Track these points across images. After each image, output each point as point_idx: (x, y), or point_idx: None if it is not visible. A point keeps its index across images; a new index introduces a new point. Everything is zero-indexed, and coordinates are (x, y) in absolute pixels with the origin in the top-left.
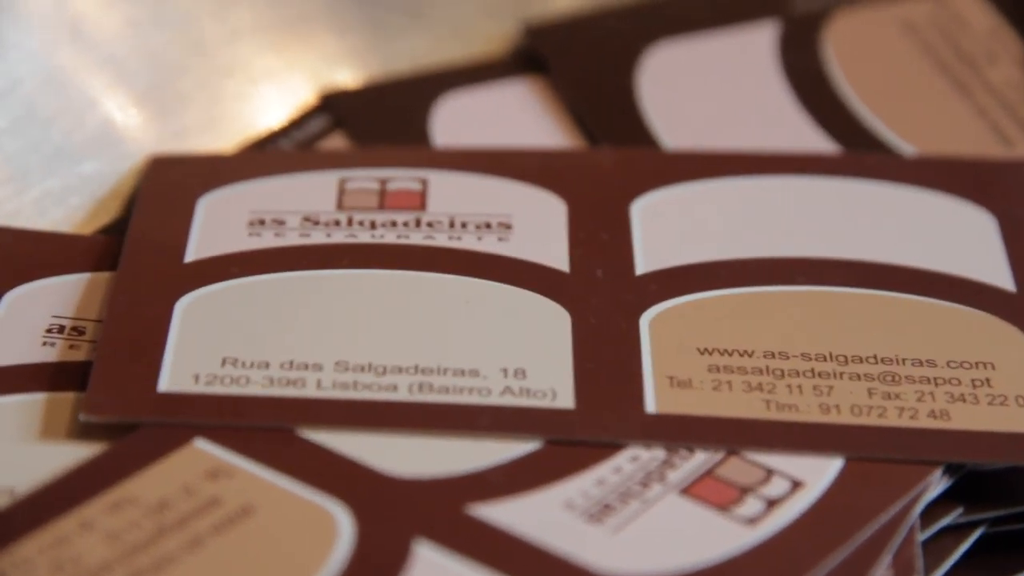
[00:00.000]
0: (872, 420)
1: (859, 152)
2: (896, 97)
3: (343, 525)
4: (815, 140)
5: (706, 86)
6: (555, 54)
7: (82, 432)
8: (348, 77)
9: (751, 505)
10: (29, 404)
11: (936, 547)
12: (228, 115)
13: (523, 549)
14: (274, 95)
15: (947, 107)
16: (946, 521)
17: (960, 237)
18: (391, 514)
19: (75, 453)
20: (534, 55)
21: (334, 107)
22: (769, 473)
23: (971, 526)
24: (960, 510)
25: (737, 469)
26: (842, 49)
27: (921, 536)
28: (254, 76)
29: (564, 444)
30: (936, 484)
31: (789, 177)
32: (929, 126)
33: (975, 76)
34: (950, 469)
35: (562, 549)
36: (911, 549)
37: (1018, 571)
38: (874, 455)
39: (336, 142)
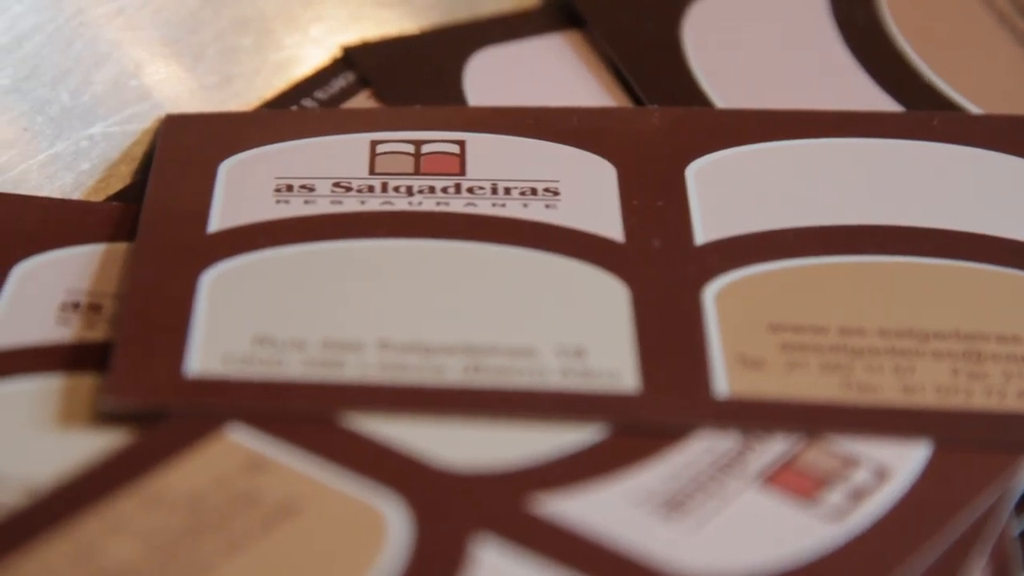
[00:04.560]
0: (958, 402)
1: (923, 111)
2: (955, 51)
3: (395, 522)
4: (873, 97)
5: (755, 40)
6: (594, 5)
7: (102, 419)
8: (373, 30)
9: (835, 497)
10: (44, 388)
11: None
12: (246, 71)
13: (592, 546)
14: (296, 49)
15: (1008, 62)
16: None
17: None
18: (447, 509)
19: (95, 442)
20: (571, 6)
21: (360, 63)
22: (852, 461)
23: None
24: None
25: (818, 457)
26: (897, 1)
27: (1019, 528)
28: (274, 29)
29: (630, 430)
30: None
31: (851, 139)
32: (991, 83)
33: None
34: None
35: (635, 546)
36: (1007, 541)
37: None
38: (961, 440)
39: (361, 101)
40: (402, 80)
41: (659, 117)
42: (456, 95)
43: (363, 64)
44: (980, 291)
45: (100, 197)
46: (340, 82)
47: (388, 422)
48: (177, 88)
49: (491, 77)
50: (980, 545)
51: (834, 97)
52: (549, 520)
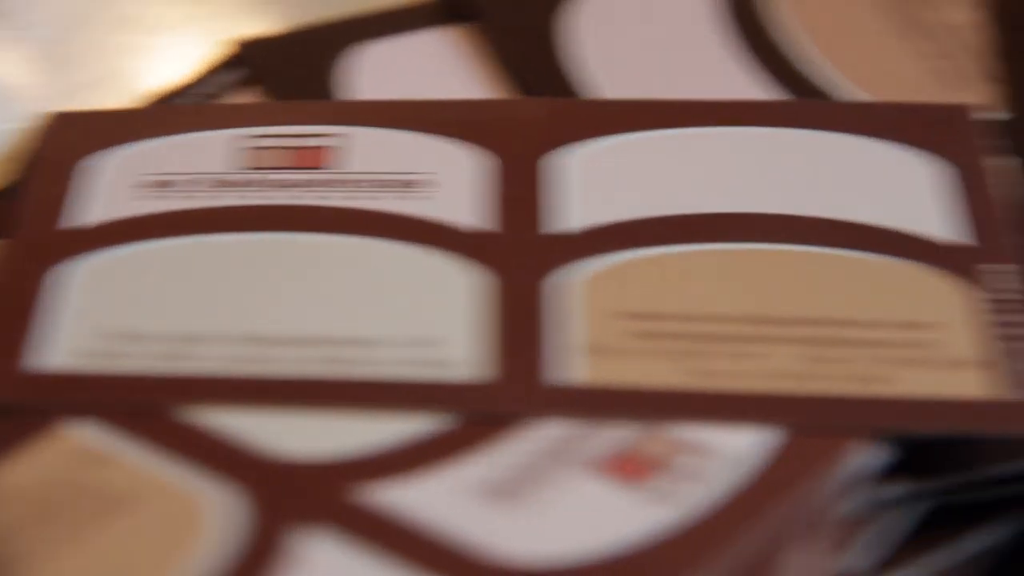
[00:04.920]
0: (807, 387)
1: (799, 99)
2: (836, 40)
3: (226, 512)
4: (753, 86)
5: (636, 30)
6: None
7: None
8: (256, 26)
9: (666, 482)
10: None
11: (883, 520)
12: (126, 70)
13: (417, 534)
14: (178, 47)
15: (891, 51)
16: (892, 493)
17: (906, 187)
18: (275, 497)
19: None
20: (455, 2)
21: (242, 59)
22: (686, 447)
23: (920, 497)
24: (906, 482)
25: (653, 443)
26: None
27: (867, 509)
28: (153, 27)
29: (473, 419)
30: (877, 455)
31: (727, 128)
32: (872, 71)
33: (919, 19)
34: (894, 438)
35: (460, 533)
36: (844, 522)
37: (969, 541)
38: (808, 425)
39: (243, 97)
40: (287, 75)
41: (534, 108)
42: (338, 89)
43: (248, 59)
44: (840, 277)
45: None
46: (222, 78)
47: (227, 414)
48: (58, 87)
49: (375, 71)
50: (807, 527)
51: (714, 86)
52: (375, 509)
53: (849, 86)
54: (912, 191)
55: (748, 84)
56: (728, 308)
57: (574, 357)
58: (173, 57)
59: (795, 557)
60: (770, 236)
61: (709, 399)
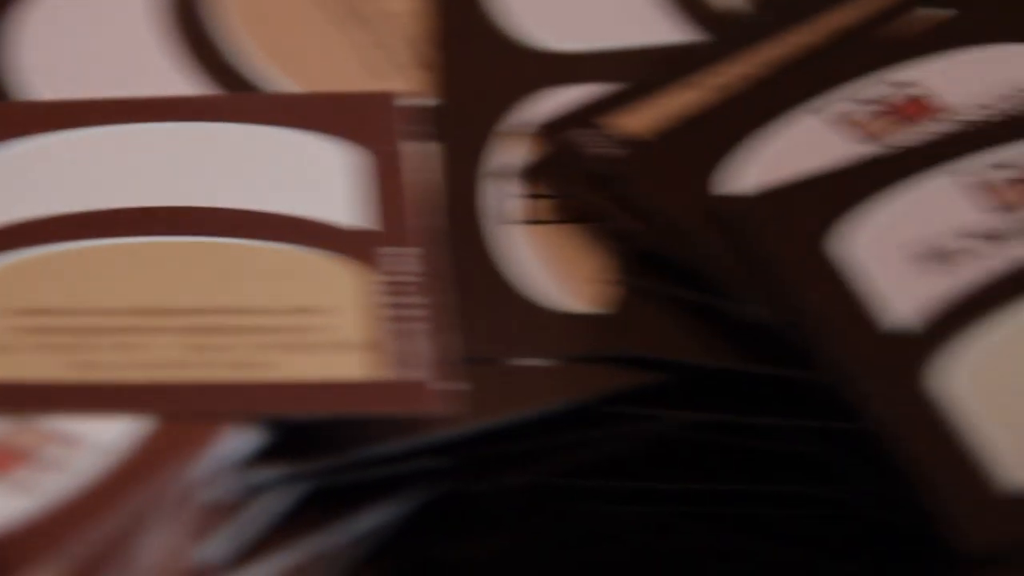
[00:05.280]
0: (188, 375)
1: (230, 94)
2: (276, 33)
3: None
4: (191, 84)
5: (82, 34)
6: None
7: None
8: None
9: (27, 471)
10: None
11: (257, 504)
12: None
13: None
14: None
15: (329, 41)
16: (265, 477)
17: (317, 176)
18: None
19: None
20: None
21: None
22: (55, 436)
23: (297, 480)
24: (280, 465)
25: (24, 434)
26: None
27: (240, 494)
28: None
29: None
30: (249, 439)
31: (151, 124)
32: (309, 62)
33: (357, 9)
34: (270, 422)
35: None
36: (204, 509)
37: (354, 522)
38: (185, 412)
39: None
40: None
41: None
42: None
43: None
44: (230, 266)
45: None
46: None
47: None
48: None
49: None
50: (170, 512)
51: (151, 84)
52: None
53: (284, 79)
54: (323, 179)
55: (184, 81)
56: (114, 301)
57: None
58: None
59: (154, 541)
60: (170, 229)
61: (86, 390)
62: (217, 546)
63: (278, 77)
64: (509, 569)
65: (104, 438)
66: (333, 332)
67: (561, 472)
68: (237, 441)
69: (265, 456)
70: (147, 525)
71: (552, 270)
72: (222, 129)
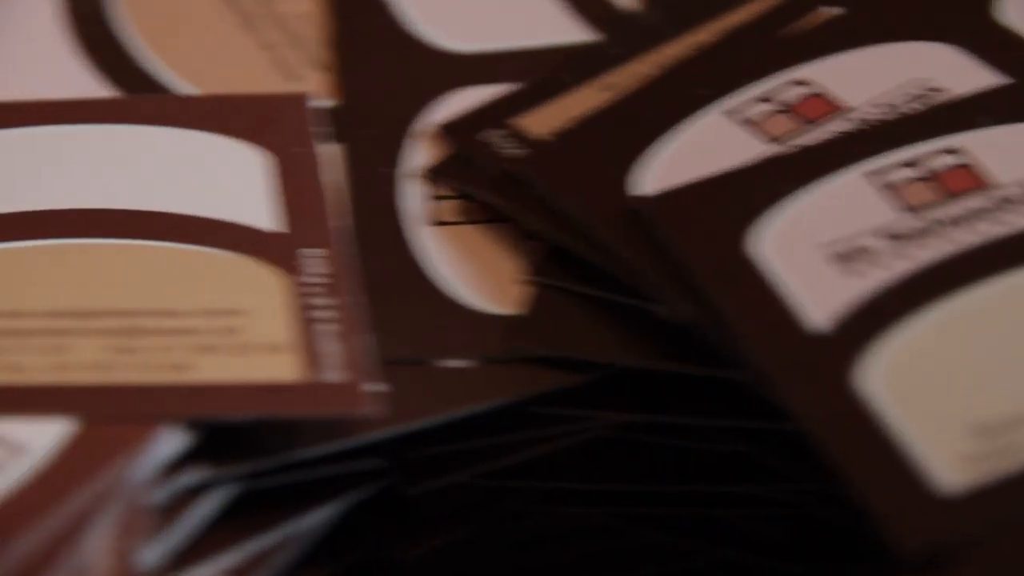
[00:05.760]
0: (107, 378)
1: (134, 96)
2: (178, 34)
3: None
4: (92, 85)
5: None
6: None
7: None
8: None
9: None
10: None
11: (186, 508)
12: None
13: None
14: None
15: (233, 43)
16: (193, 480)
17: (228, 178)
18: None
19: None
20: None
21: None
22: None
23: (225, 483)
24: (208, 468)
25: None
26: None
27: (168, 497)
28: None
29: None
30: (177, 442)
31: (55, 126)
32: (213, 64)
33: (263, 10)
34: (196, 425)
35: None
36: (139, 511)
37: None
38: (109, 415)
39: None
40: None
41: None
42: None
43: None
44: (149, 268)
45: None
46: None
47: None
48: None
49: None
50: (103, 516)
51: (53, 87)
52: None
53: (185, 81)
54: (234, 181)
55: (89, 83)
56: (30, 304)
57: None
58: None
59: (95, 543)
60: (81, 231)
61: (10, 392)
62: (155, 549)
63: (179, 79)
64: (445, 570)
65: (35, 440)
66: (254, 334)
67: (495, 473)
68: (168, 443)
69: (194, 458)
70: (86, 527)
71: (468, 270)
72: (134, 131)
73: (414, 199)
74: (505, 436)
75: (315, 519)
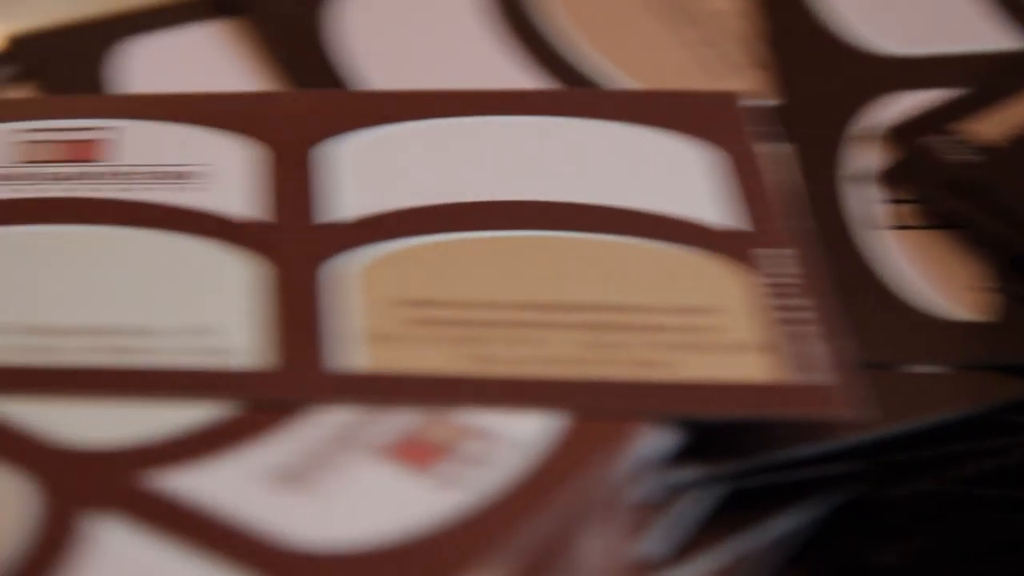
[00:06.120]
0: (590, 372)
1: (569, 87)
2: (606, 29)
3: (12, 500)
4: (524, 76)
5: (407, 22)
6: None
7: None
8: (33, 19)
9: (452, 467)
10: None
11: (678, 504)
12: None
13: (206, 519)
14: None
15: (658, 39)
16: (684, 478)
17: (679, 174)
18: (63, 486)
19: None
20: None
21: (19, 52)
22: (473, 432)
23: (714, 482)
24: (697, 467)
25: (439, 428)
26: None
27: (661, 494)
28: None
29: (255, 407)
30: (666, 440)
31: (499, 117)
32: (640, 59)
33: (685, 7)
34: (682, 424)
35: (249, 518)
36: (635, 509)
37: (771, 525)
38: (592, 410)
39: (18, 91)
40: (59, 70)
41: (305, 100)
42: (111, 83)
43: (22, 54)
44: (620, 263)
45: None
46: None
47: (9, 403)
48: None
49: (149, 65)
50: (601, 514)
51: (485, 77)
52: (164, 495)
53: (616, 75)
54: (685, 178)
55: (516, 74)
56: (505, 295)
57: (353, 345)
58: None
59: (590, 542)
60: (546, 223)
61: (490, 385)
62: (646, 547)
63: (610, 73)
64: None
65: (523, 434)
66: (726, 333)
67: (969, 479)
68: (653, 441)
69: (681, 457)
70: (581, 523)
71: (927, 276)
72: (570, 124)
73: (860, 202)
74: (977, 442)
75: (795, 521)
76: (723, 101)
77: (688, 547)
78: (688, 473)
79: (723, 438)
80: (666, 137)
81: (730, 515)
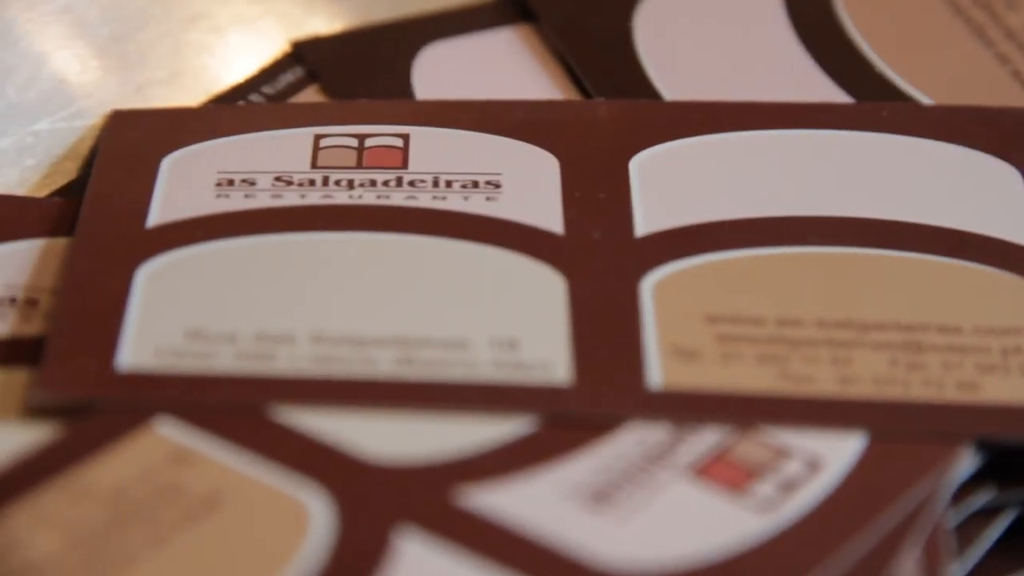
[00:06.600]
0: (895, 393)
1: (872, 102)
2: (909, 43)
3: (319, 515)
4: (824, 89)
5: (707, 32)
6: None
7: (35, 413)
8: (323, 25)
9: (766, 489)
10: None
11: (967, 530)
12: (193, 68)
13: (518, 539)
14: (243, 45)
15: (964, 54)
16: (979, 502)
17: (983, 193)
18: (371, 502)
19: (27, 436)
20: (522, 1)
21: (308, 58)
22: (784, 453)
23: (1004, 507)
24: (994, 490)
25: (750, 449)
26: None
27: (953, 519)
28: (221, 25)
29: (561, 423)
30: (966, 462)
31: (799, 130)
32: (945, 74)
33: (993, 21)
34: (981, 446)
35: (561, 538)
36: (941, 533)
37: None
38: (898, 431)
39: (310, 96)
40: (350, 75)
41: (605, 110)
42: (405, 89)
43: (311, 59)
44: (922, 281)
45: (44, 193)
46: (288, 77)
47: (317, 415)
48: (124, 84)
49: (440, 71)
50: (913, 537)
51: (785, 90)
52: (474, 512)
53: (918, 90)
54: (989, 196)
55: (820, 85)
56: (810, 312)
57: (657, 359)
58: (241, 55)
59: (903, 566)
60: (849, 239)
61: (801, 403)
62: (953, 572)
63: (915, 89)
64: None
65: (835, 455)
66: None
67: None
68: (958, 463)
69: (980, 479)
70: (899, 547)
71: None
72: (872, 139)
73: None
74: None
75: None
76: None
77: (984, 573)
78: (985, 497)
79: (1020, 462)
80: (973, 154)
81: (1013, 542)
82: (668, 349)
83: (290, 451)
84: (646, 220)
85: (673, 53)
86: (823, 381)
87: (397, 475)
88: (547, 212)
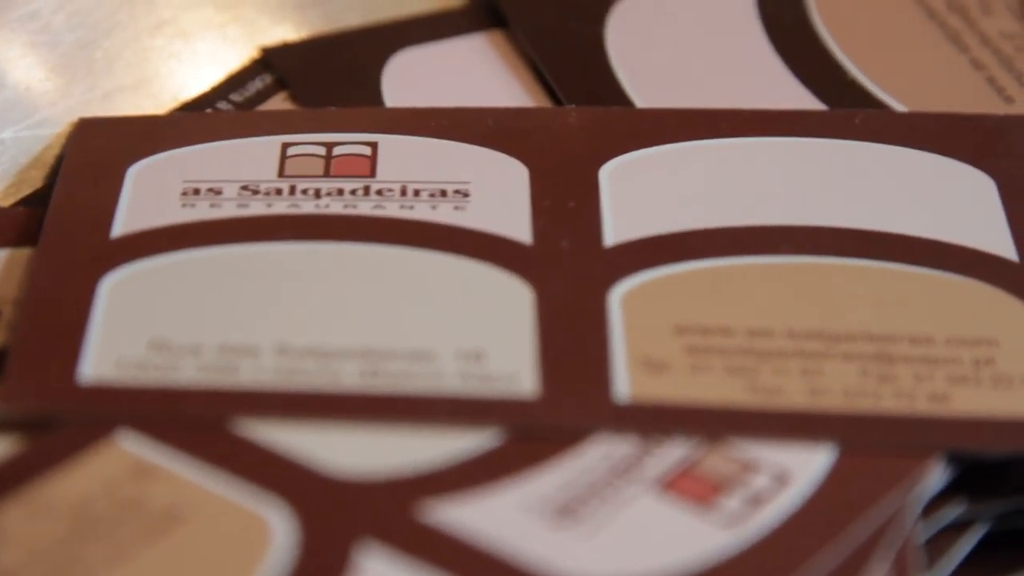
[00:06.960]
0: (865, 405)
1: (845, 109)
2: (883, 49)
3: (280, 530)
4: (797, 96)
5: (680, 38)
6: (517, 5)
7: None
8: (291, 31)
9: (733, 503)
10: None
11: (937, 544)
12: (160, 75)
13: (481, 554)
14: (210, 52)
15: (938, 60)
16: (950, 516)
17: (957, 201)
18: (333, 516)
19: None
20: (493, 6)
21: (276, 64)
22: (752, 467)
23: (974, 521)
24: (964, 504)
25: (717, 462)
26: None
27: (923, 533)
28: (188, 31)
29: (526, 435)
30: (936, 475)
31: (771, 138)
32: (919, 81)
33: (968, 26)
34: (952, 458)
35: (525, 553)
36: (910, 547)
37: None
38: (868, 444)
39: (279, 103)
40: (319, 82)
41: (575, 117)
42: (374, 97)
43: (280, 65)
44: (894, 292)
45: (9, 202)
46: (257, 84)
47: (281, 428)
48: (90, 92)
49: (410, 78)
50: (882, 552)
51: (758, 96)
52: (436, 528)
53: (891, 96)
54: (961, 204)
55: (793, 91)
56: (780, 322)
57: (625, 371)
58: (208, 62)
59: None
60: (822, 249)
61: (770, 416)
62: None
63: (887, 95)
64: None
65: (804, 468)
66: (1003, 366)
67: None
68: (928, 477)
69: (947, 493)
70: (867, 562)
71: None
72: (845, 146)
73: None
74: None
75: None
76: (1004, 126)
77: None
78: (956, 511)
79: (990, 475)
80: (941, 161)
81: (995, 556)
82: (636, 360)
83: (252, 465)
84: (615, 229)
85: (645, 59)
86: (793, 393)
87: (360, 490)
88: (515, 221)
